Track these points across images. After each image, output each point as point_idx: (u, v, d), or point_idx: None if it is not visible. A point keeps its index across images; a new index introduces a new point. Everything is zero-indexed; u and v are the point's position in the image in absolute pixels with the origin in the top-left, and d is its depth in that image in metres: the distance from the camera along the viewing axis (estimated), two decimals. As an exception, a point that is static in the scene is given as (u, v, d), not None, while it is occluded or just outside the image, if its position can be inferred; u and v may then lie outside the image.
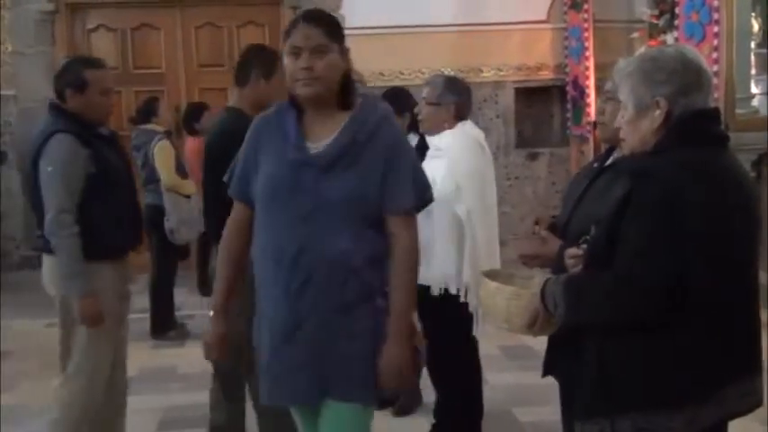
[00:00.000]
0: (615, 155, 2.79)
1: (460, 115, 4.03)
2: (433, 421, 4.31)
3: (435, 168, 3.91)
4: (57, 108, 3.74)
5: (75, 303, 3.62)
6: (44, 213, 3.61)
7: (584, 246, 2.38)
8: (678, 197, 2.10)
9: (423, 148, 4.17)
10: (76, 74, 3.70)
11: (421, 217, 3.91)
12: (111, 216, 3.69)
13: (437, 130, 4.02)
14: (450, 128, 3.99)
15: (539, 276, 2.53)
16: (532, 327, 2.40)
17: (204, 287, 7.69)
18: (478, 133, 4.09)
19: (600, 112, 2.86)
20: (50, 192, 3.57)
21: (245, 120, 3.81)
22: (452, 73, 8.37)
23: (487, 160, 4.09)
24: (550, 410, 3.00)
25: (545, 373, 2.79)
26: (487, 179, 4.06)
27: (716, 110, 2.35)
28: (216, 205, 3.77)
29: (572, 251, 2.45)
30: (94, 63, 3.87)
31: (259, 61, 3.88)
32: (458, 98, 4.01)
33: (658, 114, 2.24)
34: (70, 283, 3.61)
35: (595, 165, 2.89)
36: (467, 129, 4.04)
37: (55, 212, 3.56)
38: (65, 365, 3.77)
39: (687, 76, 2.24)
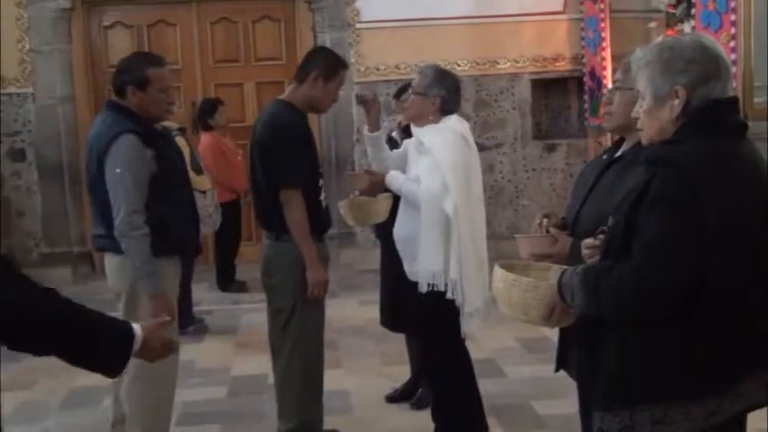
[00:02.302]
0: (625, 147, 2.77)
1: (445, 109, 4.00)
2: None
3: (415, 162, 3.92)
4: (117, 107, 3.74)
5: (148, 302, 3.64)
6: (109, 214, 3.62)
7: (602, 236, 2.36)
8: (696, 188, 2.08)
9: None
10: (139, 71, 3.70)
11: (410, 213, 3.94)
12: (175, 214, 3.72)
13: (422, 121, 3.99)
14: (434, 121, 3.97)
15: (555, 267, 2.51)
16: (550, 318, 2.38)
17: (223, 282, 7.72)
18: (463, 127, 4.06)
19: (607, 101, 2.82)
20: (120, 193, 3.58)
21: (298, 114, 3.88)
22: (468, 65, 8.41)
23: (473, 153, 4.05)
24: (569, 403, 2.99)
25: (558, 368, 2.78)
26: (473, 172, 4.03)
27: (735, 98, 2.32)
28: (268, 194, 3.84)
29: (589, 242, 2.44)
30: (156, 60, 3.86)
31: (323, 63, 3.94)
32: (445, 93, 3.98)
33: (677, 104, 2.22)
34: (143, 282, 3.63)
35: (605, 157, 2.86)
36: (451, 123, 4.00)
37: (125, 213, 3.57)
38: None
39: (706, 65, 2.22)
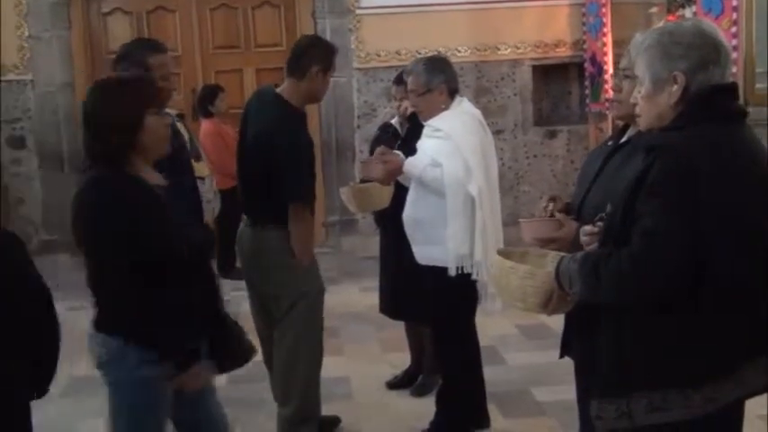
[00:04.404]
0: (630, 132, 2.75)
1: (452, 90, 4.01)
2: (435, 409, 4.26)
3: (434, 148, 3.90)
4: None
5: None
6: None
7: (600, 223, 2.36)
8: (694, 174, 2.07)
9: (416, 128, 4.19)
10: (140, 58, 3.65)
11: (425, 197, 3.93)
12: (181, 201, 3.70)
13: (436, 113, 3.99)
14: (446, 108, 3.97)
15: (552, 254, 2.51)
16: (547, 306, 2.38)
17: (224, 269, 7.71)
18: (477, 112, 4.08)
19: (616, 89, 2.80)
20: None
21: (300, 115, 3.86)
22: (469, 51, 8.38)
23: (488, 139, 4.07)
24: (568, 389, 2.98)
25: (563, 354, 2.77)
26: (489, 158, 4.04)
27: (734, 84, 2.31)
28: (260, 187, 3.83)
29: (587, 228, 2.43)
30: (157, 47, 3.81)
31: (321, 56, 3.89)
32: (445, 76, 3.99)
33: (676, 89, 2.21)
34: None
35: (610, 143, 2.85)
36: (465, 107, 4.02)
37: None
38: None
39: (705, 51, 2.21)
